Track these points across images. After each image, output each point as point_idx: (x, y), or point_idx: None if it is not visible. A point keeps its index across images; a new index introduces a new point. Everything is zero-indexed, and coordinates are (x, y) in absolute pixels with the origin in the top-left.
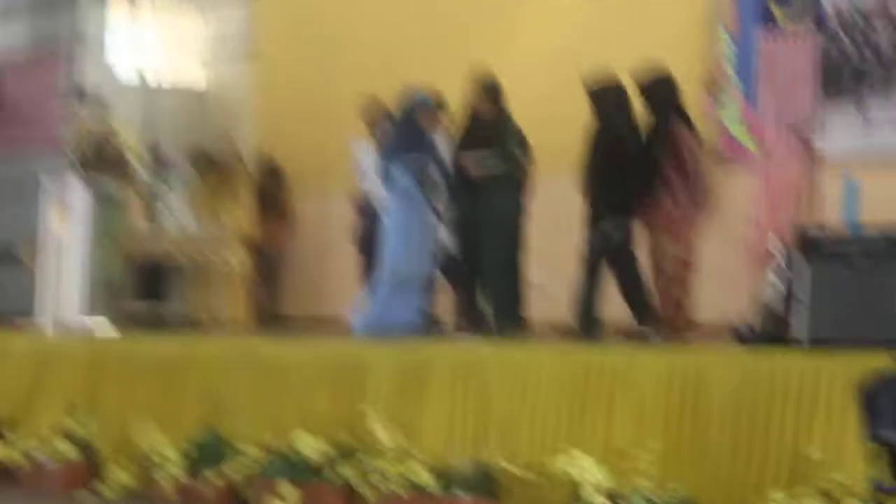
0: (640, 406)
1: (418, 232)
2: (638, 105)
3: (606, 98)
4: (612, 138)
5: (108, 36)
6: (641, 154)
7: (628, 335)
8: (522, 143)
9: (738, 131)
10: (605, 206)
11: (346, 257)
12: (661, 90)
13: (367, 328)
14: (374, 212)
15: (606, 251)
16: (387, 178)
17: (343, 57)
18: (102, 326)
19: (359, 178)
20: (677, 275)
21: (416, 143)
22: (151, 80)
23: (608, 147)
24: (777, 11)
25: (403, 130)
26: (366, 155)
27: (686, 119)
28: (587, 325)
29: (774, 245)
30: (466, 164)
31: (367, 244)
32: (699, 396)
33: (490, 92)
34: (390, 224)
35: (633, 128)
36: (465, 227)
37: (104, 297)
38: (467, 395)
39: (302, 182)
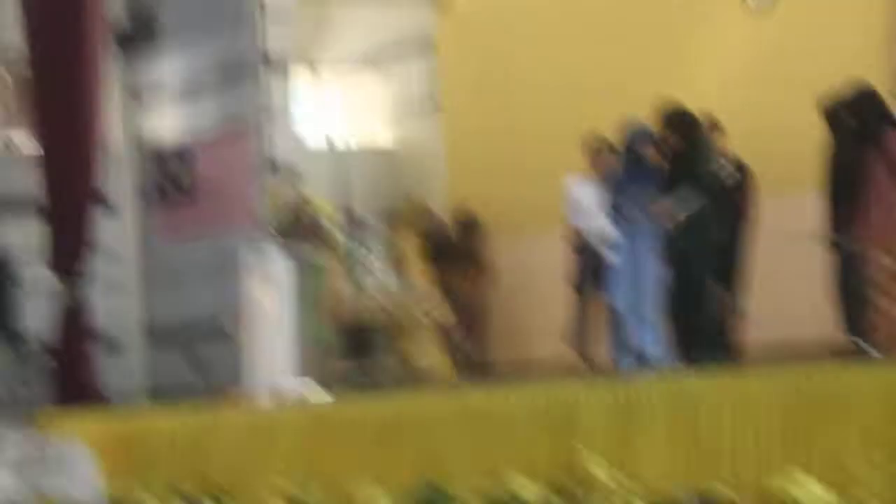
0: (865, 426)
1: (650, 266)
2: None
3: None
4: (846, 155)
5: (294, 104)
6: (859, 167)
7: (843, 353)
8: (723, 170)
9: None
10: (837, 222)
11: (548, 300)
12: (869, 102)
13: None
14: (592, 251)
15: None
16: (615, 212)
17: (528, 102)
18: (313, 390)
19: (575, 216)
20: (892, 290)
21: (642, 176)
22: (340, 143)
23: (840, 164)
24: None
25: (630, 163)
26: (584, 191)
27: None
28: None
29: None
30: (657, 212)
31: (588, 283)
32: None
33: (680, 124)
34: (622, 260)
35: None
36: (673, 259)
37: (313, 360)
38: (683, 426)
39: (498, 229)
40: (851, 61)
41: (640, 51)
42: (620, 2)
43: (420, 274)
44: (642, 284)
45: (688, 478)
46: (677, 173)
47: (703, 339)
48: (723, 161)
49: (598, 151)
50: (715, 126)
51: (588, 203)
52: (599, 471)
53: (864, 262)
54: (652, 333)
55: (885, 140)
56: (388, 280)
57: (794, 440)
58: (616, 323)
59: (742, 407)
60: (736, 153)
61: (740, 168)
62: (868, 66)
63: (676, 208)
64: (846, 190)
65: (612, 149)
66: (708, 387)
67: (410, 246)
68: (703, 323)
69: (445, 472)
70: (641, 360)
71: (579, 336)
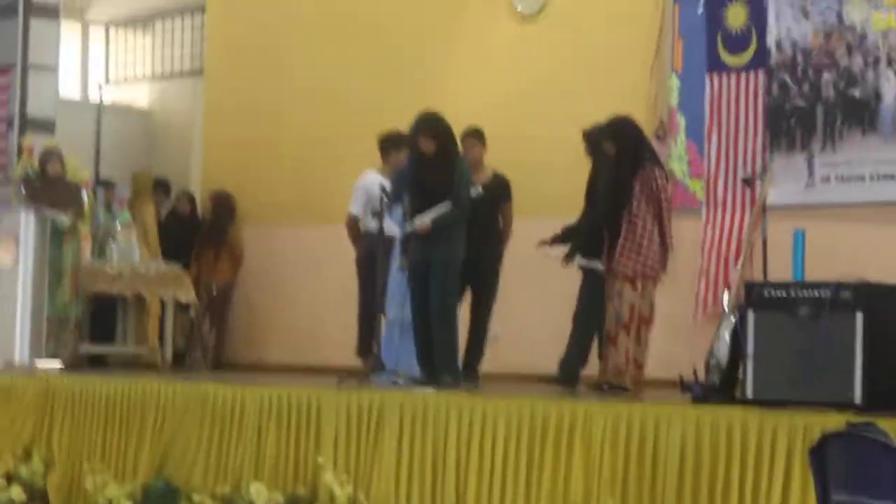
0: (591, 461)
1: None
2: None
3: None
4: (606, 183)
5: (57, 56)
6: (618, 196)
7: (585, 387)
8: (476, 181)
9: (686, 178)
10: (593, 249)
11: (299, 298)
12: (627, 132)
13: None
14: (374, 250)
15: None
16: (391, 214)
17: (294, 85)
18: (49, 361)
19: (365, 212)
20: (635, 328)
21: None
22: (99, 100)
23: (601, 191)
24: (727, 57)
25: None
26: (375, 186)
27: (656, 160)
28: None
29: (723, 297)
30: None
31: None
32: (648, 453)
33: (436, 131)
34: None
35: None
36: (416, 272)
37: (56, 333)
38: (420, 445)
39: (252, 215)
40: (620, 91)
41: (412, 54)
42: (395, 3)
43: (167, 252)
44: (397, 292)
45: (422, 499)
46: (428, 179)
47: (444, 357)
48: (482, 172)
49: (391, 146)
50: (474, 135)
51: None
52: (335, 484)
53: (611, 293)
54: (401, 345)
55: (642, 172)
56: (133, 252)
57: (527, 469)
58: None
59: (473, 429)
60: (496, 166)
61: (499, 182)
62: (634, 97)
63: (422, 214)
64: (605, 218)
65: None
66: (442, 406)
67: (154, 218)
68: (444, 339)
69: (181, 465)
70: (385, 371)
71: (364, 343)
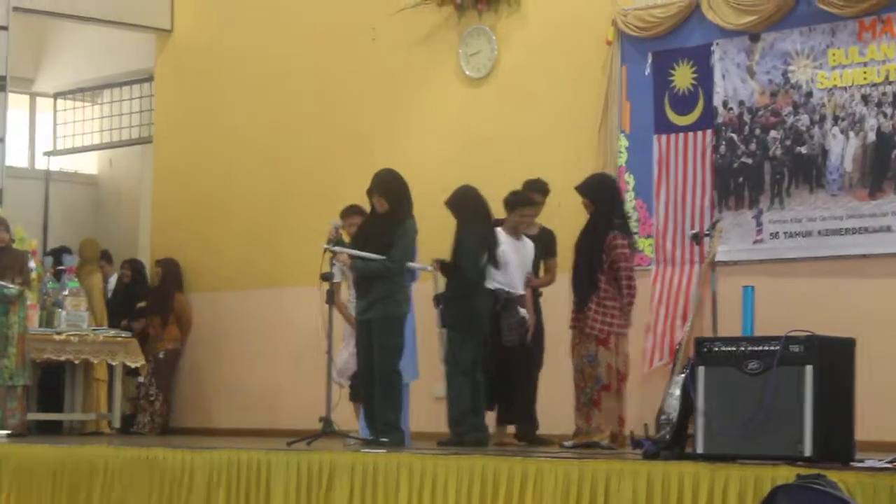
0: None
1: None
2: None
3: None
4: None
5: (5, 125)
6: (590, 256)
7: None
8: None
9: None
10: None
11: (245, 359)
12: (604, 191)
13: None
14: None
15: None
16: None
17: (243, 146)
18: (1, 434)
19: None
20: (615, 386)
21: None
22: (47, 168)
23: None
24: (674, 117)
25: None
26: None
27: (625, 228)
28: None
29: (679, 352)
30: (342, 259)
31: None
32: None
33: (386, 188)
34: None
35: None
36: (361, 332)
37: (3, 402)
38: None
39: (199, 276)
40: (572, 149)
41: (364, 118)
42: (346, 65)
43: (115, 318)
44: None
45: None
46: (373, 236)
47: (384, 418)
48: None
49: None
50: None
51: None
52: None
53: (584, 355)
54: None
55: (606, 238)
56: (81, 320)
57: None
58: None
59: (424, 489)
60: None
61: (545, 237)
62: (584, 155)
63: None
64: (581, 276)
65: None
66: (393, 466)
67: (101, 286)
68: (384, 399)
69: None
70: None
71: None
